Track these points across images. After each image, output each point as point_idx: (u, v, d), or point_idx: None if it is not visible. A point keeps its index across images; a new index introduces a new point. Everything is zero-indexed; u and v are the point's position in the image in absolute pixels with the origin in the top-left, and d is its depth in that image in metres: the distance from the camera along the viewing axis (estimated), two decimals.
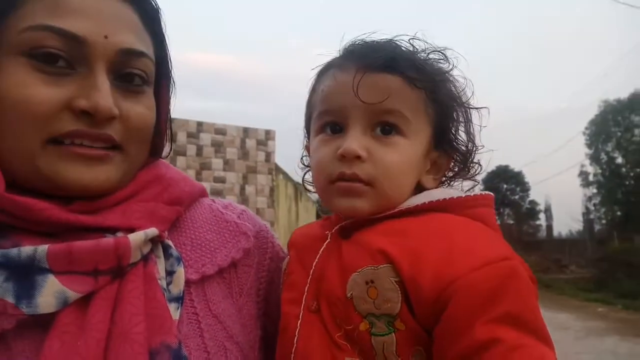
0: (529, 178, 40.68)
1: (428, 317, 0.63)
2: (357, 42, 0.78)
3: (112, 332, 0.59)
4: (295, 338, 0.70)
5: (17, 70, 0.60)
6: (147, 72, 0.69)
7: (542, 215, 39.40)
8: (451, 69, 0.78)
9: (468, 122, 0.80)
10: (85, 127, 0.62)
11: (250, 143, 7.48)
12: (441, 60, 0.78)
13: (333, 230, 0.76)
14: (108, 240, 0.62)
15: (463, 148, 0.80)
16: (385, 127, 0.73)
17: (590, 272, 18.85)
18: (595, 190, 34.86)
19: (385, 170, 0.72)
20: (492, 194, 0.78)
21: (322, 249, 0.75)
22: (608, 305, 13.33)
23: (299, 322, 0.71)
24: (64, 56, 0.61)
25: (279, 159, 8.17)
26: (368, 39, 0.78)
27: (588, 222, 29.75)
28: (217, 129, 7.30)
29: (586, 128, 34.70)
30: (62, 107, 0.61)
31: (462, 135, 0.80)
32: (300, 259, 0.79)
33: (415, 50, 0.77)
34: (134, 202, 0.69)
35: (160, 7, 0.74)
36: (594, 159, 34.32)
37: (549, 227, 35.82)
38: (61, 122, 0.61)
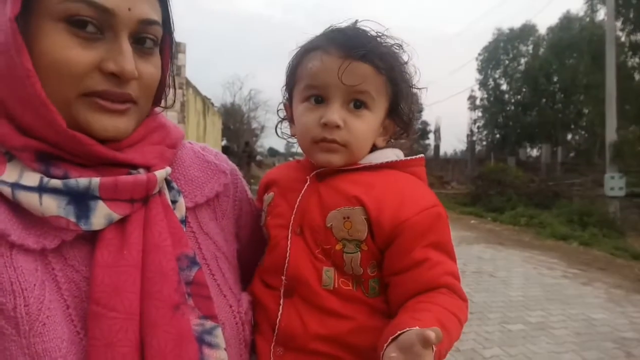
0: (423, 99, 42.57)
1: (384, 242, 0.91)
2: (337, 30, 0.98)
3: (147, 244, 0.78)
4: (288, 253, 0.94)
5: (57, 33, 0.71)
6: (157, 36, 0.82)
7: (431, 136, 42.12)
8: (407, 61, 1.01)
9: (413, 98, 1.05)
10: (111, 87, 0.75)
11: None
12: (399, 50, 1.00)
13: (311, 175, 1.00)
14: (142, 176, 0.79)
15: (406, 118, 1.04)
16: (357, 102, 0.95)
17: (467, 189, 20.23)
18: (480, 114, 37.54)
19: (356, 136, 0.95)
20: (424, 156, 1.05)
21: (303, 190, 0.99)
22: (480, 218, 14.70)
23: (289, 241, 0.95)
24: (95, 23, 0.73)
25: (187, 72, 7.97)
26: (345, 28, 0.98)
27: (471, 143, 31.69)
28: None
29: (479, 54, 36.41)
30: (94, 67, 0.74)
31: (406, 108, 1.04)
32: (284, 195, 1.02)
33: (381, 40, 0.98)
34: (146, 144, 0.85)
35: None
36: (483, 84, 36.28)
37: (437, 147, 37.87)
38: (92, 80, 0.74)
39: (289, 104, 1.06)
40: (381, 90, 0.97)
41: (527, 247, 10.01)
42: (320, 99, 0.96)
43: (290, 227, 0.96)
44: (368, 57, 0.93)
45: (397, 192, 0.93)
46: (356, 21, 0.99)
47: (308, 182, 0.99)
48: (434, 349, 0.71)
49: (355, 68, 0.92)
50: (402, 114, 1.03)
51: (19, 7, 0.69)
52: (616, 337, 4.94)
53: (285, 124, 1.10)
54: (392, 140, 1.07)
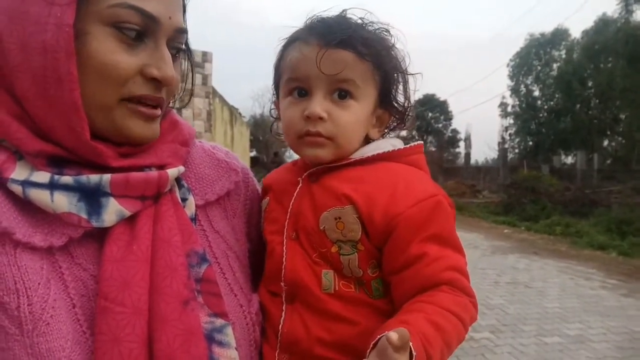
0: (453, 107, 42.26)
1: (379, 240, 0.86)
2: (317, 19, 0.93)
3: (156, 239, 0.77)
4: (284, 259, 0.91)
5: (105, 37, 0.72)
6: (184, 43, 0.84)
7: (462, 144, 41.59)
8: (393, 44, 0.94)
9: (405, 85, 0.98)
10: (151, 92, 0.77)
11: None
12: (385, 34, 0.94)
13: (303, 176, 0.95)
14: (154, 173, 0.79)
15: (400, 107, 0.98)
16: (341, 92, 0.90)
17: (500, 197, 19.77)
18: (512, 121, 36.81)
19: (342, 128, 0.90)
20: (422, 142, 0.99)
21: (296, 192, 0.94)
22: (513, 227, 14.31)
23: (284, 247, 0.91)
24: (139, 30, 0.74)
25: (215, 82, 8.06)
26: (326, 17, 0.93)
27: (503, 151, 31.24)
28: None
29: (511, 60, 35.82)
30: (137, 72, 0.75)
31: (401, 96, 0.98)
32: (278, 200, 0.98)
33: (365, 25, 0.92)
34: (160, 143, 0.85)
35: None
36: (514, 90, 35.69)
37: (467, 155, 37.53)
38: (135, 84, 0.75)
39: (278, 102, 1.01)
40: (367, 78, 0.91)
41: (564, 257, 9.70)
42: (303, 92, 0.91)
43: (285, 232, 0.92)
44: (348, 42, 0.87)
45: (390, 185, 0.87)
46: (343, 10, 0.94)
47: (300, 184, 0.95)
48: (414, 352, 0.67)
49: (334, 55, 0.87)
50: (395, 102, 0.97)
51: (74, 11, 0.69)
52: None
53: (280, 123, 1.05)
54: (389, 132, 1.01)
